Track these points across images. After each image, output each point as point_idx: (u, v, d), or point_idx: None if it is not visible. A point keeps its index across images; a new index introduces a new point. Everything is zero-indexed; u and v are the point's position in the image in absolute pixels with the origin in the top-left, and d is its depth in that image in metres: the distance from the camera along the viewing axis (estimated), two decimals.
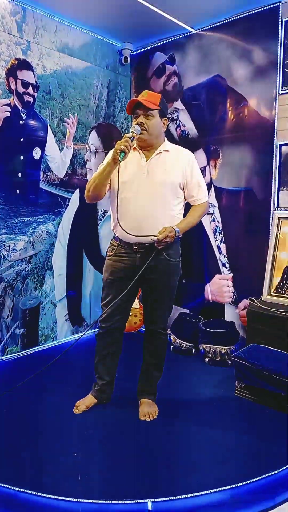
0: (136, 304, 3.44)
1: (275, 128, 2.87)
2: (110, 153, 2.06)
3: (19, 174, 3.03)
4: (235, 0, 2.81)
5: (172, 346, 3.27)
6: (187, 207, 2.26)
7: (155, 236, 2.02)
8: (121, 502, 1.65)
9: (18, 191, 3.02)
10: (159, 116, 2.09)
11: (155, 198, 2.07)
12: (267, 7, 2.84)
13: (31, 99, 3.02)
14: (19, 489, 1.69)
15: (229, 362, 2.94)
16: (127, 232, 2.04)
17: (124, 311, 2.28)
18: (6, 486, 1.71)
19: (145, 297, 2.28)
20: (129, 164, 2.08)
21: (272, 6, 2.81)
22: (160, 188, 2.08)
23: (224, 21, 3.07)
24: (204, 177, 3.24)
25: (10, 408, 2.31)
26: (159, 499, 1.66)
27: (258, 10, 2.89)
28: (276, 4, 2.79)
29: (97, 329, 2.32)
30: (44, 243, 3.24)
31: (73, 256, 3.47)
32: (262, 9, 2.86)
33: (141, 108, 2.05)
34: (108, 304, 2.21)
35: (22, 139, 3.00)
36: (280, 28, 2.79)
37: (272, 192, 2.92)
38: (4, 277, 2.99)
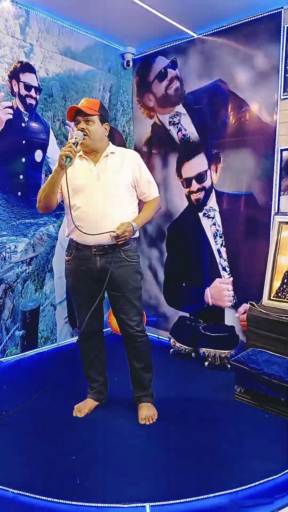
0: None
1: (276, 133, 2.88)
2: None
3: (21, 176, 3.03)
4: (237, 5, 2.83)
5: (171, 350, 3.27)
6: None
7: (114, 232, 2.06)
8: (119, 505, 1.65)
9: (19, 193, 3.03)
10: (99, 121, 2.14)
11: (110, 199, 2.11)
12: (269, 13, 2.85)
13: (34, 102, 3.03)
14: (18, 492, 1.69)
15: (229, 366, 2.93)
16: (84, 233, 2.07)
17: (98, 314, 2.32)
18: (5, 488, 1.71)
19: (113, 303, 2.27)
20: (79, 171, 2.12)
21: (274, 12, 2.83)
22: (113, 189, 2.12)
23: (226, 26, 3.09)
24: (205, 181, 3.31)
25: (9, 411, 2.30)
26: (158, 503, 1.66)
27: (260, 16, 2.90)
28: (278, 10, 2.81)
29: (77, 336, 2.34)
30: (44, 245, 3.25)
31: None
32: (264, 14, 2.88)
33: (81, 115, 2.09)
34: (80, 309, 2.27)
35: (24, 141, 3.01)
36: (282, 33, 2.80)
37: (273, 197, 2.92)
38: (4, 278, 2.99)
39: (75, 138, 2.04)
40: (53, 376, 2.43)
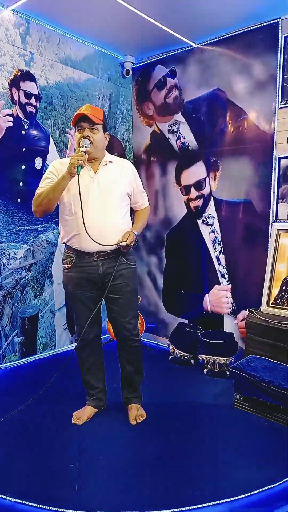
0: None
1: (274, 141, 2.90)
2: (53, 165, 2.18)
3: (21, 183, 3.05)
4: (235, 15, 2.86)
5: (170, 357, 3.26)
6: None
7: (124, 242, 2.10)
8: None
9: (19, 200, 3.04)
10: (102, 130, 2.17)
11: (110, 207, 2.15)
12: (267, 23, 2.89)
13: (34, 110, 3.06)
14: (16, 500, 1.68)
15: (228, 373, 2.93)
16: (97, 243, 2.08)
17: (97, 321, 2.33)
18: (2, 496, 1.70)
19: (112, 306, 2.28)
20: (80, 178, 2.12)
21: (272, 22, 2.87)
22: (112, 197, 2.17)
23: (225, 36, 3.12)
24: (203, 188, 3.33)
25: (7, 418, 2.30)
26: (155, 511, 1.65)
27: (258, 26, 2.94)
28: (276, 20, 2.85)
29: (76, 343, 2.35)
30: (44, 251, 3.26)
31: None
32: (262, 24, 2.92)
33: (87, 121, 2.11)
34: (79, 316, 2.27)
35: (24, 149, 3.03)
36: (279, 43, 2.84)
37: (271, 204, 2.94)
38: (3, 285, 2.99)
39: (84, 146, 2.06)
40: (50, 384, 2.43)
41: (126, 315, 2.27)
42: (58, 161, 2.23)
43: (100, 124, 2.14)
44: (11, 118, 2.91)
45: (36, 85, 3.05)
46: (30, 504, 1.67)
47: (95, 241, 2.08)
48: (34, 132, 3.08)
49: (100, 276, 2.18)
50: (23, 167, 3.05)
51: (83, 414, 2.32)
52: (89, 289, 2.22)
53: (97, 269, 2.17)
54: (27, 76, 2.99)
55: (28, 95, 3.00)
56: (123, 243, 2.10)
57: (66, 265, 2.24)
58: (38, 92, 3.07)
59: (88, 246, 2.12)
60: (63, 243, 2.25)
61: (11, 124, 2.92)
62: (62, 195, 2.12)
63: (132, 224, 2.31)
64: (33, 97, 3.04)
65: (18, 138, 2.98)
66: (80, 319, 2.28)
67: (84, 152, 2.04)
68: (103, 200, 2.14)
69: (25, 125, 3.01)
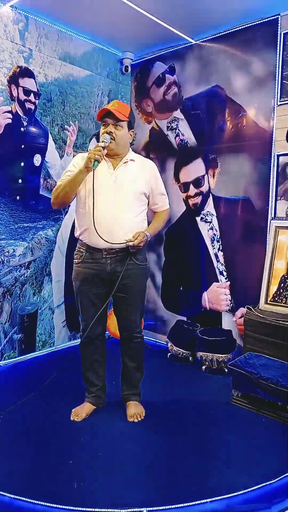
0: None
1: (273, 138, 2.90)
2: (76, 158, 2.19)
3: (20, 180, 3.04)
4: (235, 12, 2.85)
5: (169, 354, 3.27)
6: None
7: (132, 242, 2.08)
8: (117, 510, 1.64)
9: (18, 197, 3.04)
10: (127, 127, 2.16)
11: (123, 205, 2.14)
12: (266, 20, 2.88)
13: (33, 107, 3.05)
14: (15, 496, 1.69)
15: (226, 370, 2.94)
16: (102, 239, 2.08)
17: (103, 318, 2.33)
18: (1, 493, 1.71)
19: (118, 304, 2.30)
20: (97, 172, 2.12)
21: (271, 18, 2.86)
22: (127, 196, 2.15)
23: (224, 33, 3.12)
24: (202, 186, 3.32)
25: (6, 415, 2.30)
26: (155, 508, 1.66)
27: (257, 22, 2.94)
28: (275, 17, 2.84)
29: (79, 339, 2.35)
30: (43, 249, 3.26)
31: (71, 263, 3.47)
32: (262, 21, 2.91)
33: (111, 117, 2.11)
34: (85, 312, 2.27)
35: (23, 146, 3.03)
36: (278, 40, 2.84)
37: (270, 202, 2.94)
38: (2, 282, 2.99)
39: (103, 141, 2.06)
40: (52, 379, 2.44)
41: (131, 313, 2.29)
42: (81, 155, 2.21)
43: (125, 121, 2.13)
44: (10, 115, 2.90)
45: (35, 81, 3.04)
46: (29, 500, 1.67)
47: (100, 237, 2.07)
48: (33, 129, 3.07)
49: (107, 274, 2.17)
50: (22, 164, 3.04)
51: (82, 411, 2.32)
52: (96, 286, 2.21)
53: (105, 266, 2.16)
54: (26, 72, 2.98)
55: (27, 92, 2.99)
56: (131, 243, 2.09)
57: (76, 260, 2.25)
58: (37, 89, 3.06)
59: (97, 241, 2.11)
60: (77, 236, 2.25)
61: (10, 121, 2.91)
62: (79, 188, 2.13)
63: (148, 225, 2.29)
64: (32, 94, 3.03)
65: (17, 135, 2.97)
66: (85, 315, 2.27)
67: (103, 147, 2.04)
68: (117, 197, 2.13)
69: (24, 122, 3.01)
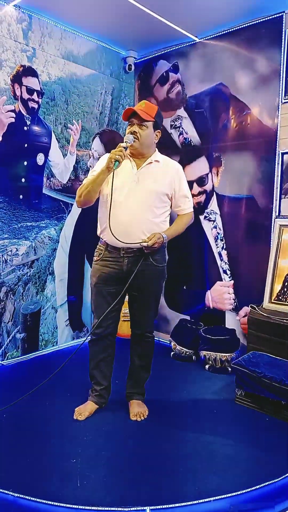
0: None
1: (278, 136, 2.89)
2: (103, 158, 2.18)
3: (23, 179, 3.05)
4: (239, 9, 2.84)
5: (172, 353, 3.26)
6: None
7: (145, 242, 2.08)
8: (120, 509, 1.64)
9: (21, 196, 3.04)
10: (152, 128, 2.16)
11: (143, 205, 2.13)
12: (270, 17, 2.87)
13: (36, 106, 3.05)
14: (18, 495, 1.69)
15: (229, 369, 2.93)
16: (116, 238, 2.08)
17: (115, 317, 2.32)
18: (5, 492, 1.71)
19: (132, 302, 2.31)
20: (120, 171, 2.11)
21: (276, 16, 2.84)
22: (149, 197, 2.14)
23: (228, 30, 3.10)
24: (206, 184, 3.31)
25: (9, 413, 2.31)
26: (158, 507, 1.66)
27: (262, 20, 2.92)
28: (280, 14, 2.82)
29: (89, 336, 2.35)
30: (46, 248, 3.26)
31: (74, 262, 3.49)
32: (266, 19, 2.89)
33: (137, 117, 2.11)
34: (98, 309, 2.26)
35: (26, 145, 3.03)
36: (283, 37, 2.82)
37: (274, 200, 2.93)
38: (5, 281, 3.00)
39: (126, 142, 2.06)
40: (53, 379, 2.43)
41: (144, 313, 2.30)
42: (107, 154, 2.18)
43: (150, 121, 2.12)
44: (13, 114, 2.91)
45: (38, 80, 3.04)
46: (32, 499, 1.67)
47: (114, 236, 2.07)
48: (36, 128, 3.07)
49: (124, 273, 2.17)
50: (25, 163, 3.05)
51: (85, 410, 2.32)
52: (112, 284, 2.21)
53: (122, 265, 2.17)
54: (29, 71, 2.98)
55: (30, 91, 2.99)
56: (145, 244, 2.08)
57: (95, 257, 2.27)
58: (40, 88, 3.06)
59: (115, 240, 2.11)
60: (98, 235, 2.26)
61: (13, 120, 2.91)
62: (102, 187, 2.14)
63: None
64: (35, 93, 3.03)
65: (20, 134, 2.98)
66: (97, 312, 2.27)
67: (125, 147, 2.04)
68: (138, 197, 2.13)
69: (27, 121, 3.01)
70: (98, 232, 2.26)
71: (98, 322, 2.24)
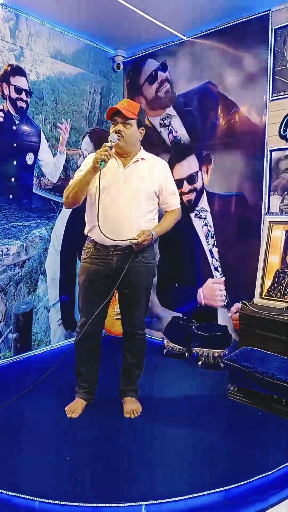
0: None
1: (266, 134, 2.91)
2: (88, 157, 2.19)
3: (12, 179, 3.03)
4: (226, 8, 2.86)
5: (165, 350, 3.28)
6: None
7: (135, 239, 2.09)
8: (115, 505, 1.65)
9: (11, 196, 3.03)
10: (136, 125, 2.17)
11: (131, 203, 2.15)
12: (257, 15, 2.89)
13: (24, 105, 3.04)
14: (13, 494, 1.69)
15: (222, 365, 2.95)
16: (106, 237, 2.09)
17: (103, 315, 2.33)
18: (0, 490, 1.71)
19: (122, 300, 2.33)
20: (107, 171, 2.12)
21: (262, 14, 2.87)
22: (136, 195, 2.15)
23: (215, 29, 3.12)
24: (196, 182, 3.33)
25: (2, 413, 2.30)
26: (153, 502, 1.67)
27: (248, 18, 2.94)
28: (266, 12, 2.85)
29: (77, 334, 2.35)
30: (37, 247, 3.25)
31: (66, 261, 3.48)
32: (253, 17, 2.92)
33: (120, 116, 2.12)
34: (86, 307, 2.27)
35: (15, 144, 3.01)
36: (270, 35, 2.84)
37: (263, 197, 2.96)
38: None
39: (110, 141, 2.07)
40: (46, 378, 2.43)
41: (134, 311, 2.30)
42: (93, 154, 2.18)
43: (134, 119, 2.13)
44: (1, 114, 2.89)
45: (27, 80, 3.03)
46: (27, 497, 1.67)
47: (103, 234, 2.07)
48: (25, 128, 3.06)
49: (113, 271, 2.18)
50: (15, 162, 3.03)
51: (77, 407, 2.32)
52: (100, 282, 2.22)
53: (110, 263, 2.18)
54: (17, 71, 2.97)
55: (18, 90, 2.98)
56: (134, 241, 2.10)
57: (83, 255, 2.27)
58: (29, 87, 3.05)
59: (104, 238, 2.12)
60: (86, 233, 2.26)
61: (1, 119, 2.90)
62: (90, 186, 2.14)
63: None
64: (23, 92, 3.02)
65: (9, 134, 2.96)
66: (85, 311, 2.28)
67: (110, 147, 2.04)
68: (125, 196, 2.14)
69: (16, 120, 3.00)
70: (86, 231, 2.26)
71: (86, 321, 2.24)
